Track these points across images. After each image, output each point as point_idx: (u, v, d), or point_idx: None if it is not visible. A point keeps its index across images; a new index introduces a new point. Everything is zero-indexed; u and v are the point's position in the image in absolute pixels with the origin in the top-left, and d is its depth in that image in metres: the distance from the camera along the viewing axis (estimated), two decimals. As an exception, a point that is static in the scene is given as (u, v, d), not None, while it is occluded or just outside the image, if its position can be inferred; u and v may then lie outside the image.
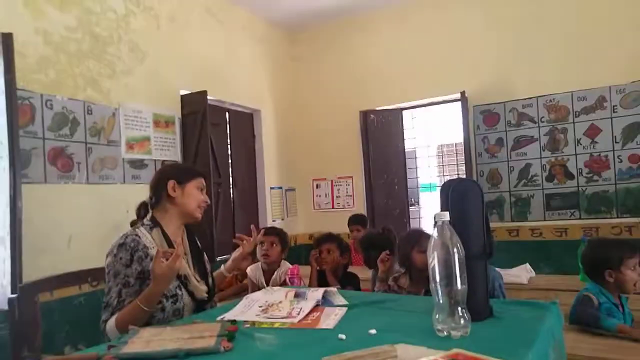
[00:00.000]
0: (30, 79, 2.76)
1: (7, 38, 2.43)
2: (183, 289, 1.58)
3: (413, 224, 5.14)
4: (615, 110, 3.87)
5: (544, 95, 4.14)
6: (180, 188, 1.68)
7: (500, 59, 4.28)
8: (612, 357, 1.69)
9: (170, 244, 1.60)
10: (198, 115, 3.76)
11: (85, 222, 3.00)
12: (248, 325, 1.28)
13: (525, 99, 4.21)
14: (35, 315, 1.74)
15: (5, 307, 1.91)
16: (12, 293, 2.13)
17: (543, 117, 4.15)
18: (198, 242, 1.80)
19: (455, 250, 1.10)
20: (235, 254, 1.91)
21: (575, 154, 4.03)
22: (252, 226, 1.95)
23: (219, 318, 1.37)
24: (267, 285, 2.52)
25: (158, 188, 1.70)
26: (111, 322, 1.46)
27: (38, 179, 2.76)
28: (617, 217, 3.86)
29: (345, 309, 1.40)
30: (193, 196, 1.69)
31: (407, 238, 2.27)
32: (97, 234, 3.02)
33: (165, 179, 1.69)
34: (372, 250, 2.63)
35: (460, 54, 4.45)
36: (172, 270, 1.43)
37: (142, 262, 1.54)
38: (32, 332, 1.71)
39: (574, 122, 4.03)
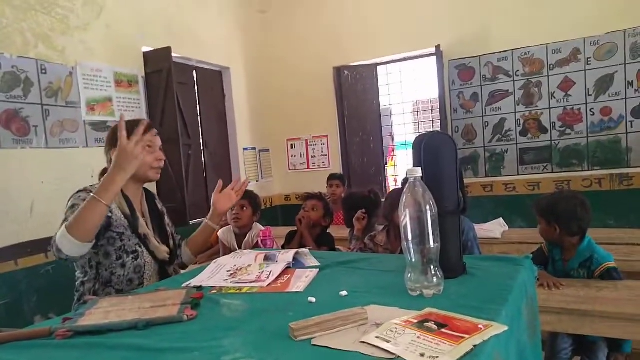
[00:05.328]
0: (-28, 35, 2.54)
1: (-59, -12, 2.21)
2: (143, 247, 1.55)
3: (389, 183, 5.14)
4: (589, 63, 3.85)
5: (520, 48, 4.08)
6: None
7: (475, 10, 4.16)
8: (582, 307, 1.72)
9: (130, 205, 1.55)
10: (163, 74, 3.57)
11: (48, 188, 2.86)
12: (215, 291, 1.23)
13: (500, 52, 4.14)
14: (-9, 287, 1.64)
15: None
16: (-32, 265, 2.04)
17: (518, 70, 4.11)
18: (158, 205, 1.73)
19: (427, 207, 1.06)
20: (214, 198, 1.74)
21: (549, 108, 4.02)
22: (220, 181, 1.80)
23: (184, 284, 1.31)
24: (240, 248, 2.47)
25: (107, 154, 1.59)
26: (61, 229, 1.32)
27: (-9, 144, 2.60)
28: (588, 170, 3.92)
29: (316, 270, 1.36)
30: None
31: (392, 196, 2.24)
32: (62, 200, 2.88)
33: (108, 146, 1.56)
34: (354, 210, 2.60)
35: (436, 6, 4.31)
36: (133, 149, 1.34)
37: None
38: (-10, 305, 1.63)
39: (548, 76, 4.00)
